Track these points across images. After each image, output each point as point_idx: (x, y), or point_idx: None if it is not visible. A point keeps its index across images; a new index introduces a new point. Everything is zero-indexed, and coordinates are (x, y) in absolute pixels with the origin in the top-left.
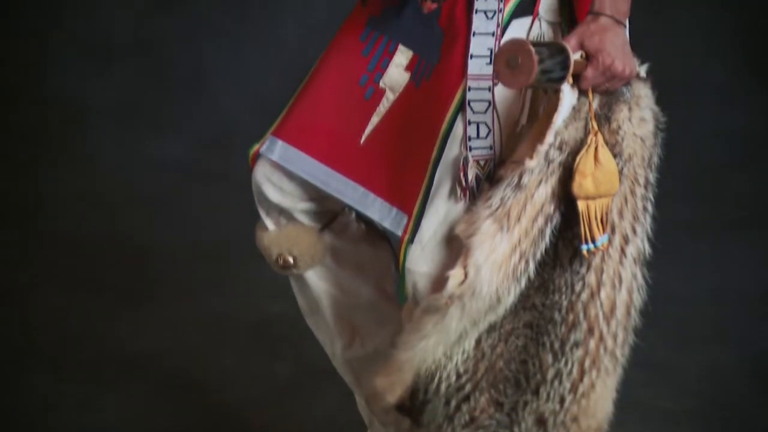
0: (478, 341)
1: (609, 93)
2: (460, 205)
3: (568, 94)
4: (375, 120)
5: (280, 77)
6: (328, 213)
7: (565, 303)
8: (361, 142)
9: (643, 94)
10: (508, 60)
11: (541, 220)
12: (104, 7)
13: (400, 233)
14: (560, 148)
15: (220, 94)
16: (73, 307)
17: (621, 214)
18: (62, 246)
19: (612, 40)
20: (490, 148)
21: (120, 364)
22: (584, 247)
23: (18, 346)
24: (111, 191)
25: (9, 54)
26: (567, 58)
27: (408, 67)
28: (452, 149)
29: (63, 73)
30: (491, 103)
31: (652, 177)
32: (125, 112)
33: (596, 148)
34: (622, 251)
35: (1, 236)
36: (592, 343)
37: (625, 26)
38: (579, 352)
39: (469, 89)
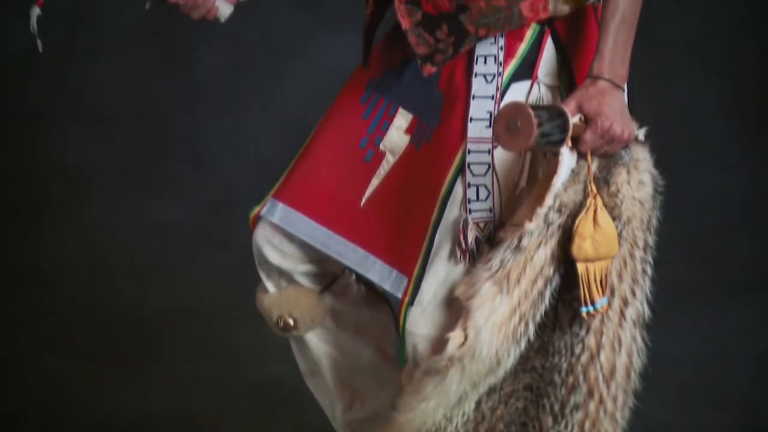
0: (478, 403)
1: (608, 156)
2: (460, 267)
3: (567, 157)
4: (375, 182)
5: (280, 142)
6: (329, 275)
7: (564, 365)
8: (361, 204)
9: (642, 157)
10: (507, 123)
11: (540, 283)
12: (105, 74)
13: (400, 295)
14: (560, 211)
15: (221, 159)
16: (73, 373)
17: (620, 277)
18: (62, 312)
19: (610, 104)
20: (490, 210)
21: (121, 429)
22: (584, 310)
23: (17, 413)
24: (111, 257)
25: (9, 121)
26: (566, 121)
27: (408, 130)
28: (452, 211)
29: (64, 140)
30: (491, 166)
31: (651, 240)
32: (126, 178)
33: (595, 211)
34: (622, 314)
35: (0, 303)
36: (592, 406)
37: (623, 90)
38: (579, 415)
39: (469, 152)
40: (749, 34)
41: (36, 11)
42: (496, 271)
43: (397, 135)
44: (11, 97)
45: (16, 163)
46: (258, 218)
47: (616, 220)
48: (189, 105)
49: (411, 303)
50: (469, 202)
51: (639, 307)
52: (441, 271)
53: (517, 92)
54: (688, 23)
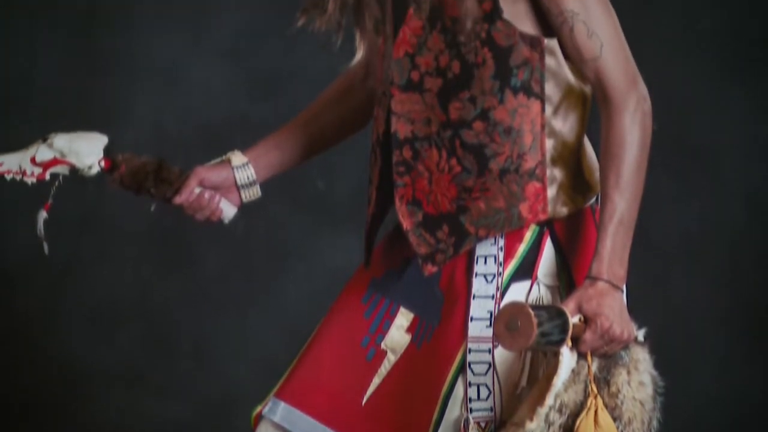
0: None
1: (608, 356)
2: None
3: (567, 357)
4: (376, 381)
5: (283, 341)
6: None
7: None
8: (363, 402)
9: (642, 358)
10: (507, 323)
11: None
12: (110, 274)
13: None
14: (560, 411)
15: (224, 358)
16: None
17: None
18: None
19: (610, 304)
20: (491, 409)
21: None
22: None
23: None
24: None
25: (13, 321)
26: (566, 321)
27: (409, 329)
28: (453, 411)
29: (68, 339)
30: (491, 365)
31: None
32: (129, 377)
33: (596, 411)
34: None
35: None
36: None
37: (622, 291)
38: None
39: (470, 351)
40: (747, 242)
41: (43, 215)
42: None
43: (398, 334)
44: (17, 299)
45: (19, 361)
46: (260, 417)
47: (616, 421)
48: (192, 304)
49: None
50: (470, 401)
51: None
52: None
53: (517, 292)
54: (686, 230)
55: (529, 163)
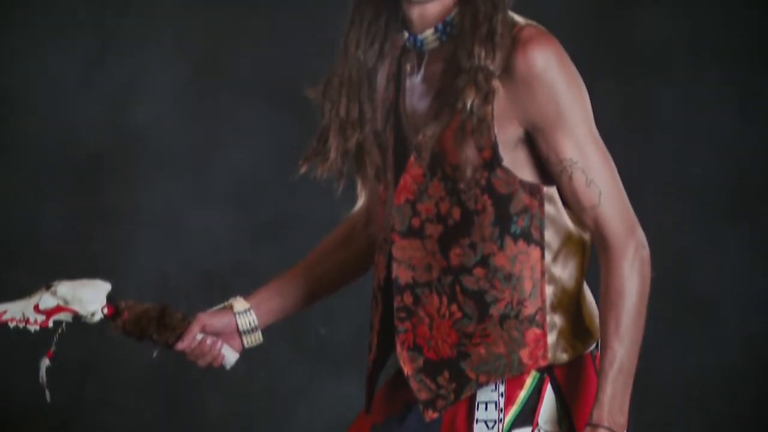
0: None
1: None
2: None
3: None
4: None
5: None
6: None
7: None
8: None
9: None
10: None
11: None
12: (111, 419)
13: None
14: None
15: None
16: None
17: None
18: None
19: None
20: None
21: None
22: None
23: None
24: None
25: None
26: None
27: None
28: None
29: None
30: None
31: None
32: None
33: None
34: None
35: None
36: None
37: None
38: None
39: None
40: (745, 390)
41: (45, 362)
42: None
43: None
44: None
45: None
46: None
47: None
48: None
49: None
50: None
51: None
52: None
53: None
54: (685, 377)
55: (530, 309)
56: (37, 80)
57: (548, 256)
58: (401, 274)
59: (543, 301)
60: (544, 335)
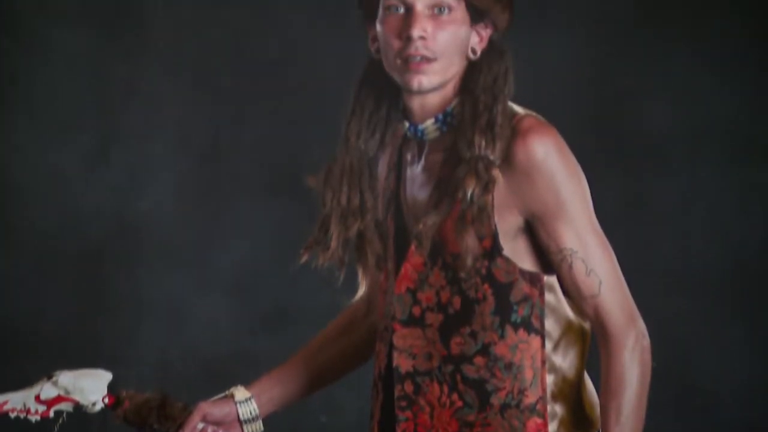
0: None
1: None
2: None
3: None
4: None
5: None
6: None
7: None
8: None
9: None
10: None
11: None
12: None
13: None
14: None
15: None
16: None
17: None
18: None
19: None
20: None
21: None
22: None
23: None
24: None
25: None
26: None
27: None
28: None
29: None
30: None
31: None
32: None
33: None
34: None
35: None
36: None
37: None
38: None
39: None
40: None
41: None
42: None
43: None
44: None
45: None
46: None
47: None
48: None
49: None
50: None
51: None
52: None
53: None
54: None
55: (530, 398)
56: (40, 170)
57: (549, 345)
58: (402, 363)
59: (544, 390)
60: (545, 424)
